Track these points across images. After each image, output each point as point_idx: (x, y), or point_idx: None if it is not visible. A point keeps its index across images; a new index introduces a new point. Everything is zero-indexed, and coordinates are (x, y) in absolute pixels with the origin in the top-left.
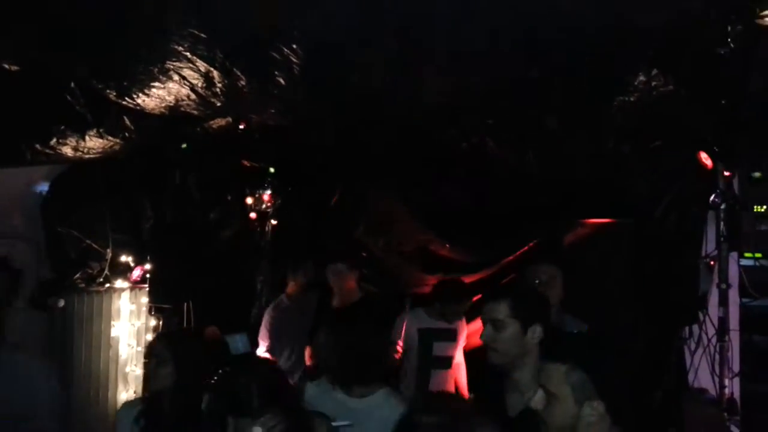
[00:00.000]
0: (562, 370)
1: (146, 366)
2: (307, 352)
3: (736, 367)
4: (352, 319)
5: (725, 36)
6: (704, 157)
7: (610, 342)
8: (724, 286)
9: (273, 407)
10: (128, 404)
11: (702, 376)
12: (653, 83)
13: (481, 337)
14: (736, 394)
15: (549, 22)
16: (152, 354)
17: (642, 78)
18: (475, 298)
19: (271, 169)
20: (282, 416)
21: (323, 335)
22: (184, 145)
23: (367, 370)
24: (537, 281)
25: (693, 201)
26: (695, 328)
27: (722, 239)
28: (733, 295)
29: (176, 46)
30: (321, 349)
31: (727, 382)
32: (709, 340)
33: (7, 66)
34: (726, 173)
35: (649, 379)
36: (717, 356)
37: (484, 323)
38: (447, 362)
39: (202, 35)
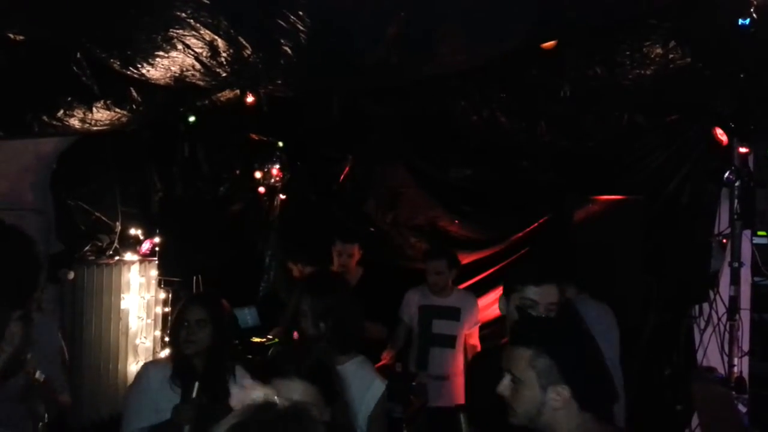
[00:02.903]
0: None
1: (180, 329)
2: None
3: (745, 347)
4: (332, 286)
5: (747, 6)
6: (720, 132)
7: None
8: (736, 264)
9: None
10: (155, 363)
11: (711, 355)
12: (670, 56)
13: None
14: (745, 373)
15: None
16: (189, 317)
17: (659, 50)
18: (483, 275)
19: (280, 143)
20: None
21: (307, 301)
22: (192, 118)
23: (343, 338)
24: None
25: (707, 177)
26: (705, 306)
27: (735, 217)
28: (745, 274)
29: (179, 13)
30: (303, 314)
31: (736, 361)
32: (719, 319)
33: (12, 36)
34: (742, 150)
35: (658, 356)
36: (727, 335)
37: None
38: (449, 341)
39: (205, 1)
